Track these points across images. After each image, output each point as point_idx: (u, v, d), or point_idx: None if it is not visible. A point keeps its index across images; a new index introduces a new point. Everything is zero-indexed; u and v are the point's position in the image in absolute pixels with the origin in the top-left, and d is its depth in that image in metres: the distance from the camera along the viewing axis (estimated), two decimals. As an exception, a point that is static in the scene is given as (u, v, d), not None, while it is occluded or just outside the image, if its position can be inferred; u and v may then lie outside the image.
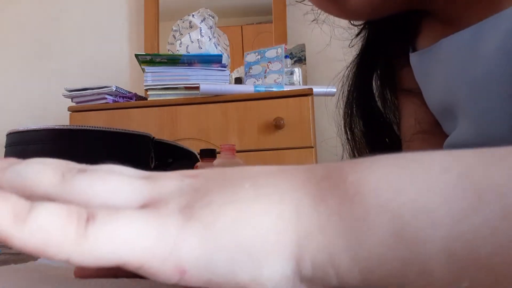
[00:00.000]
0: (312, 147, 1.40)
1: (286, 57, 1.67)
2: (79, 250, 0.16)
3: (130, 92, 1.58)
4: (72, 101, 1.56)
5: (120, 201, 0.18)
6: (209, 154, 0.74)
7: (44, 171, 0.19)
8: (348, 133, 0.53)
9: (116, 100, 1.53)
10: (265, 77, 1.57)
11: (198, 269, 0.17)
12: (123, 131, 0.75)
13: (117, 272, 0.27)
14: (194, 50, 1.55)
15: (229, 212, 0.18)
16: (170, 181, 0.20)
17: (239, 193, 0.18)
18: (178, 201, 0.18)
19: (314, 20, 0.53)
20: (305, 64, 1.87)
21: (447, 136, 0.45)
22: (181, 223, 0.17)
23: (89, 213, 0.17)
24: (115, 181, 0.19)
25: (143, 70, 1.53)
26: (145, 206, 0.18)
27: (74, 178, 0.19)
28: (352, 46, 0.52)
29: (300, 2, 0.50)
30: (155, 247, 0.17)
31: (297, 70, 1.69)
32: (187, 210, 0.18)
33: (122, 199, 0.19)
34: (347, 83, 0.53)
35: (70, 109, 1.51)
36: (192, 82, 1.50)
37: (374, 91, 0.52)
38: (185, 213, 0.18)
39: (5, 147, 0.77)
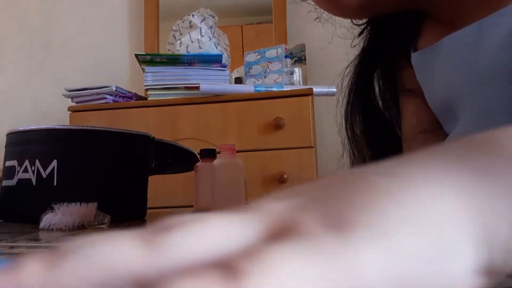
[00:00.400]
0: (312, 147, 1.40)
1: (286, 57, 1.67)
2: None
3: (130, 92, 1.58)
4: (72, 101, 1.56)
5: (238, 243, 0.13)
6: (209, 154, 0.74)
7: (118, 242, 0.13)
8: (349, 131, 0.53)
9: (116, 100, 1.53)
10: (265, 77, 1.57)
11: (385, 285, 0.13)
12: (123, 131, 0.75)
13: None
14: (194, 50, 1.54)
15: (391, 207, 0.14)
16: (275, 204, 0.15)
17: (382, 187, 0.15)
18: (311, 216, 0.14)
19: (317, 18, 0.53)
20: (305, 64, 1.87)
21: (447, 136, 0.45)
22: (342, 239, 0.13)
23: (228, 268, 0.12)
24: (213, 223, 0.14)
25: (143, 70, 1.53)
26: (273, 238, 0.13)
27: (162, 236, 0.13)
28: (354, 46, 0.53)
29: (303, 1, 0.50)
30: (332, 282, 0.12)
31: (297, 70, 1.69)
32: (335, 221, 0.14)
33: (240, 240, 0.13)
34: (348, 82, 0.53)
35: (70, 109, 1.51)
36: (192, 82, 1.50)
37: (375, 91, 0.52)
38: (336, 225, 0.13)
39: (5, 147, 0.77)
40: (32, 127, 0.74)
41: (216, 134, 1.43)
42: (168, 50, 1.63)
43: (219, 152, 0.68)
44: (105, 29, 2.07)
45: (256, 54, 1.62)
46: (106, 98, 1.50)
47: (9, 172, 0.74)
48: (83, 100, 1.54)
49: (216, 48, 1.58)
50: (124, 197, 0.74)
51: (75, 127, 0.72)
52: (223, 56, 1.53)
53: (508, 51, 0.35)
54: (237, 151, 0.68)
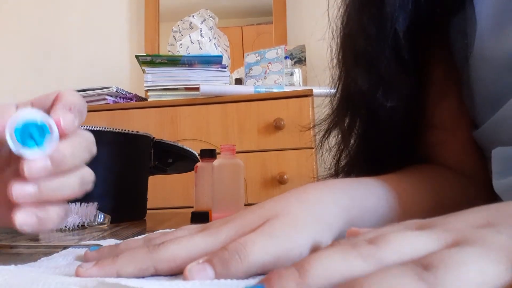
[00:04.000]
0: (312, 148, 1.40)
1: (286, 58, 1.68)
2: None
3: (130, 93, 1.58)
4: (72, 102, 1.56)
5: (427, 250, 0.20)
6: (209, 155, 0.74)
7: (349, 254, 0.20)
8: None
9: (117, 101, 1.53)
10: (265, 78, 1.58)
11: None
12: (123, 131, 0.75)
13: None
14: (194, 51, 1.55)
15: None
16: (454, 223, 0.22)
17: None
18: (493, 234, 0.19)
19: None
20: (305, 65, 1.87)
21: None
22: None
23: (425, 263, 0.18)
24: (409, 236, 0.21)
25: (144, 71, 1.53)
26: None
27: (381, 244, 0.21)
28: None
29: None
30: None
31: (297, 71, 1.69)
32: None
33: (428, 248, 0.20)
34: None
35: (71, 109, 1.51)
36: (192, 83, 1.50)
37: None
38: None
39: (6, 147, 0.77)
40: (33, 128, 0.74)
41: (216, 135, 1.43)
42: (169, 51, 1.63)
43: (219, 153, 0.68)
44: (106, 30, 2.07)
45: (256, 55, 1.62)
46: (106, 99, 1.51)
47: (10, 172, 0.74)
48: (83, 101, 1.54)
49: (216, 49, 1.58)
50: (124, 197, 0.74)
51: (75, 128, 0.72)
52: (223, 57, 1.54)
53: None
54: (237, 152, 0.68)
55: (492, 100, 0.37)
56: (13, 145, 0.29)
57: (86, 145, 0.32)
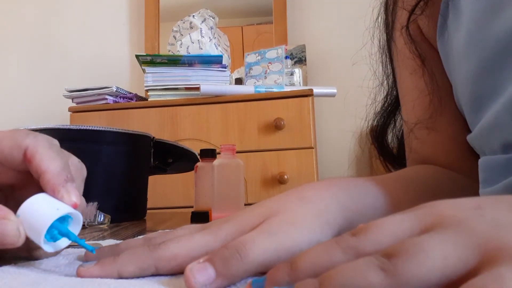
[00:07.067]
0: (312, 148, 1.40)
1: (286, 57, 1.68)
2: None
3: (130, 93, 1.58)
4: (72, 102, 1.56)
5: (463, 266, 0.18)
6: (209, 154, 0.74)
7: (363, 268, 0.19)
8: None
9: (117, 100, 1.53)
10: (265, 77, 1.58)
11: None
12: (123, 130, 0.75)
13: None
14: (194, 50, 1.55)
15: None
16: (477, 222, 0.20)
17: None
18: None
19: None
20: (305, 64, 1.87)
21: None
22: None
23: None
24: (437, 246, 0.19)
25: (144, 70, 1.53)
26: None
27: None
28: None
29: None
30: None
31: (297, 71, 1.69)
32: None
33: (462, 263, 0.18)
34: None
35: (71, 109, 1.51)
36: (192, 82, 1.50)
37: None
38: None
39: (6, 147, 0.77)
40: (32, 127, 0.74)
41: (216, 134, 1.43)
42: (169, 51, 1.63)
43: (219, 153, 0.68)
44: (106, 30, 2.07)
45: (257, 55, 1.62)
46: (106, 98, 1.51)
47: (10, 172, 0.74)
48: (83, 100, 1.54)
49: (217, 49, 1.58)
50: (124, 197, 0.74)
51: (76, 127, 0.72)
52: (224, 57, 1.54)
53: None
54: (238, 152, 0.68)
55: (474, 104, 0.38)
56: (50, 248, 0.30)
57: (83, 178, 0.37)
